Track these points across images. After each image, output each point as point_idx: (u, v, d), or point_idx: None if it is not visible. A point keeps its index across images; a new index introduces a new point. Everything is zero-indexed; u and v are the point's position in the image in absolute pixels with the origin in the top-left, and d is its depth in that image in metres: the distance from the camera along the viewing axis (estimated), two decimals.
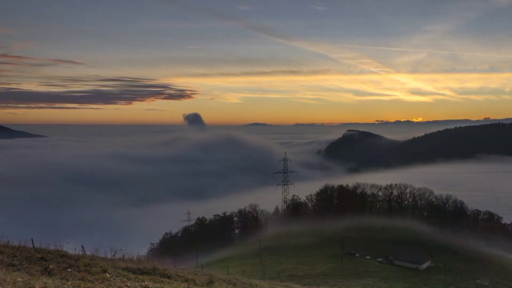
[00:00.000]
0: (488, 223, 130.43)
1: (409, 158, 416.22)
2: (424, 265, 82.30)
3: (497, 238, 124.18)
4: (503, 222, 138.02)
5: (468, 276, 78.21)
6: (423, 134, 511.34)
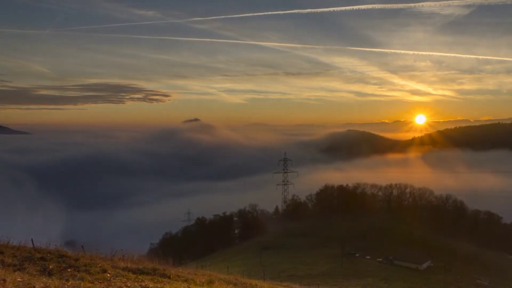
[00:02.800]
0: (488, 223, 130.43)
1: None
2: (424, 265, 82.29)
3: (497, 238, 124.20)
4: (503, 222, 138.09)
5: (468, 276, 78.25)
6: (423, 134, 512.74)
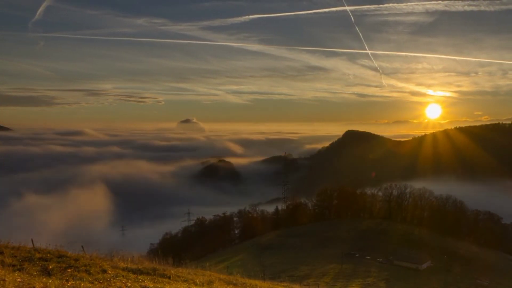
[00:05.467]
0: (487, 223, 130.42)
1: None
2: (424, 265, 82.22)
3: (497, 238, 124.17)
4: (503, 223, 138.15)
5: (468, 276, 78.21)
6: (423, 134, 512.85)
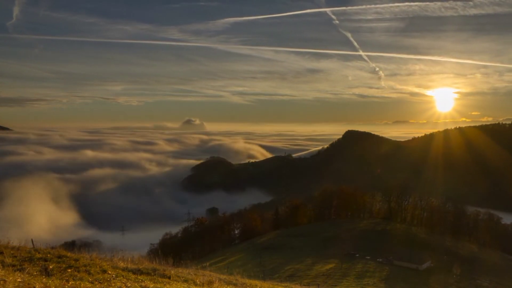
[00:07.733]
0: (487, 223, 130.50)
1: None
2: (424, 265, 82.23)
3: (497, 238, 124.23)
4: (503, 223, 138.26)
5: (468, 276, 78.24)
6: (423, 134, 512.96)
